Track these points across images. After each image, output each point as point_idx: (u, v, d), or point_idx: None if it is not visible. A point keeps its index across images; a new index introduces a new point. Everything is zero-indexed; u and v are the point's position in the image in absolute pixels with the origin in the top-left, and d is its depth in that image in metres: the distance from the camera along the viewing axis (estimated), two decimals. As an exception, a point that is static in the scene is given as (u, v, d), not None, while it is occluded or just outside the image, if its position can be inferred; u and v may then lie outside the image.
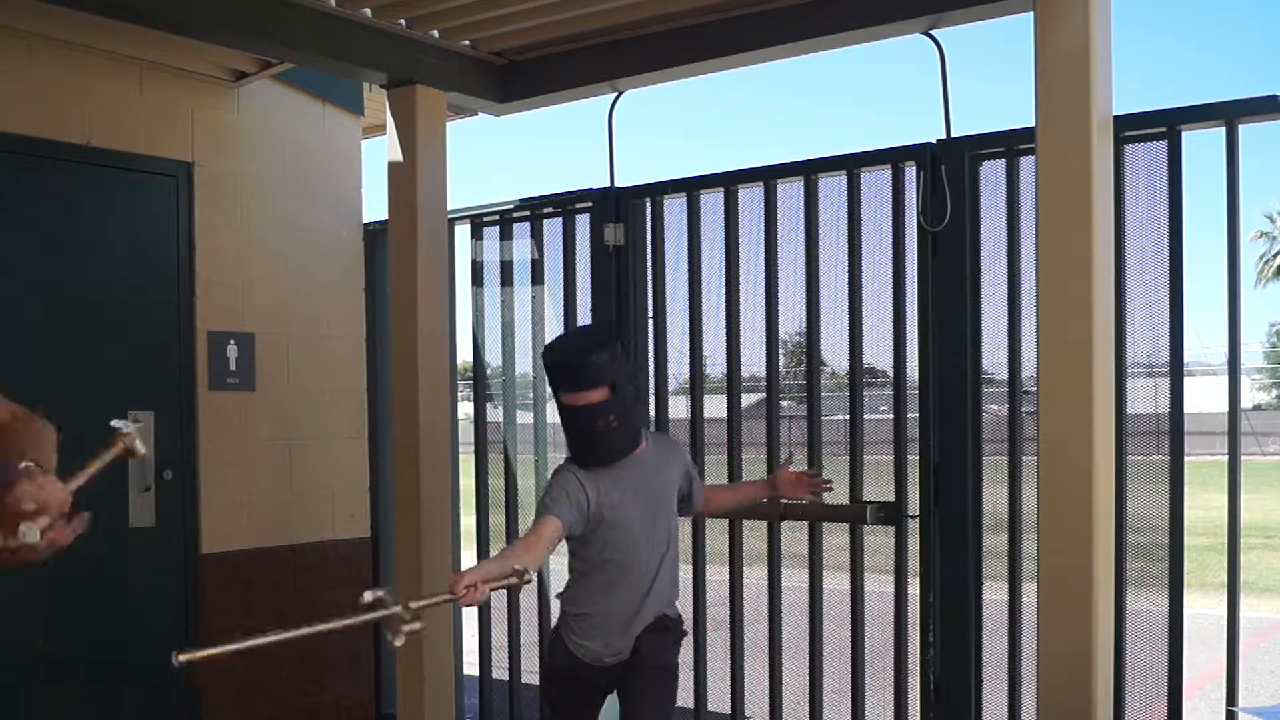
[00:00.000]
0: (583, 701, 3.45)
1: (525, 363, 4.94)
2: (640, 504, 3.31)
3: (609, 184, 4.65)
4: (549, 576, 4.82)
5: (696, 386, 4.43)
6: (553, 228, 4.84)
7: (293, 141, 5.16)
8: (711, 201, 4.43)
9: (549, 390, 4.79)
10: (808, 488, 3.74)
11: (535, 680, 4.80)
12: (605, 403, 3.18)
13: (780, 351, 4.37)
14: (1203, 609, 6.36)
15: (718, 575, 4.40)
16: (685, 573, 4.44)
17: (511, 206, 4.95)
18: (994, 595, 3.85)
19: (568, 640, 3.39)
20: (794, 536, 4.25)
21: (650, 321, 4.58)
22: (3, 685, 4.25)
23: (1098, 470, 3.32)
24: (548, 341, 3.68)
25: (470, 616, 5.03)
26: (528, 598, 4.86)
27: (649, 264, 4.59)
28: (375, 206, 5.48)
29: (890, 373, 4.06)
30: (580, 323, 4.69)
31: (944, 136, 3.91)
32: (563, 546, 3.38)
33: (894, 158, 4.01)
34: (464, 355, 5.26)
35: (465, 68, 4.56)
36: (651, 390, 4.54)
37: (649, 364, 4.56)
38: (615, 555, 3.30)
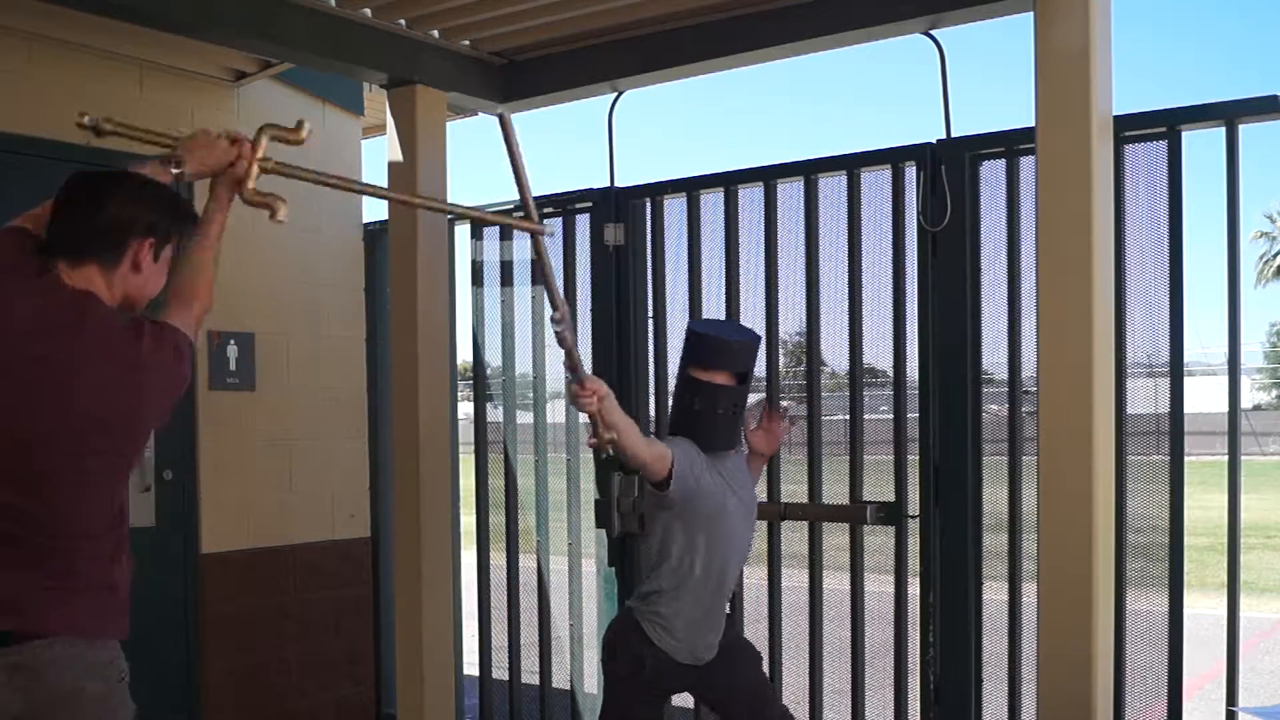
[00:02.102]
0: (661, 704, 3.45)
1: (525, 363, 4.94)
2: (738, 501, 3.39)
3: (609, 184, 4.66)
4: (548, 574, 4.83)
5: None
6: (553, 228, 4.83)
7: (293, 141, 5.16)
8: (711, 201, 4.43)
9: (557, 391, 4.81)
10: (778, 431, 3.70)
11: (535, 680, 4.82)
12: (740, 390, 3.38)
13: (780, 351, 4.37)
14: (1203, 609, 6.35)
15: (718, 575, 4.40)
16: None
17: (511, 206, 4.94)
18: (994, 595, 3.85)
19: (658, 642, 3.30)
20: (794, 536, 4.25)
21: (650, 321, 4.58)
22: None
23: (1098, 470, 3.32)
24: (699, 320, 4.00)
25: (470, 617, 5.04)
26: (528, 598, 4.86)
27: (649, 264, 4.59)
28: (375, 206, 5.49)
29: (890, 373, 4.06)
30: (580, 322, 4.69)
31: (944, 136, 3.91)
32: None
33: (894, 158, 4.01)
34: (464, 355, 5.27)
35: (465, 68, 4.56)
36: (651, 390, 4.54)
37: (649, 364, 4.56)
38: (707, 543, 3.31)
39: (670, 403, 3.54)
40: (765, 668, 4.18)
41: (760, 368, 4.32)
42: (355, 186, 3.50)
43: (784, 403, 3.86)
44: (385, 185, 4.58)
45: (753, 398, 3.76)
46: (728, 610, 3.47)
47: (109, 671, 2.28)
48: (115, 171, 2.43)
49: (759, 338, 3.51)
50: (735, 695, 3.46)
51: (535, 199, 4.84)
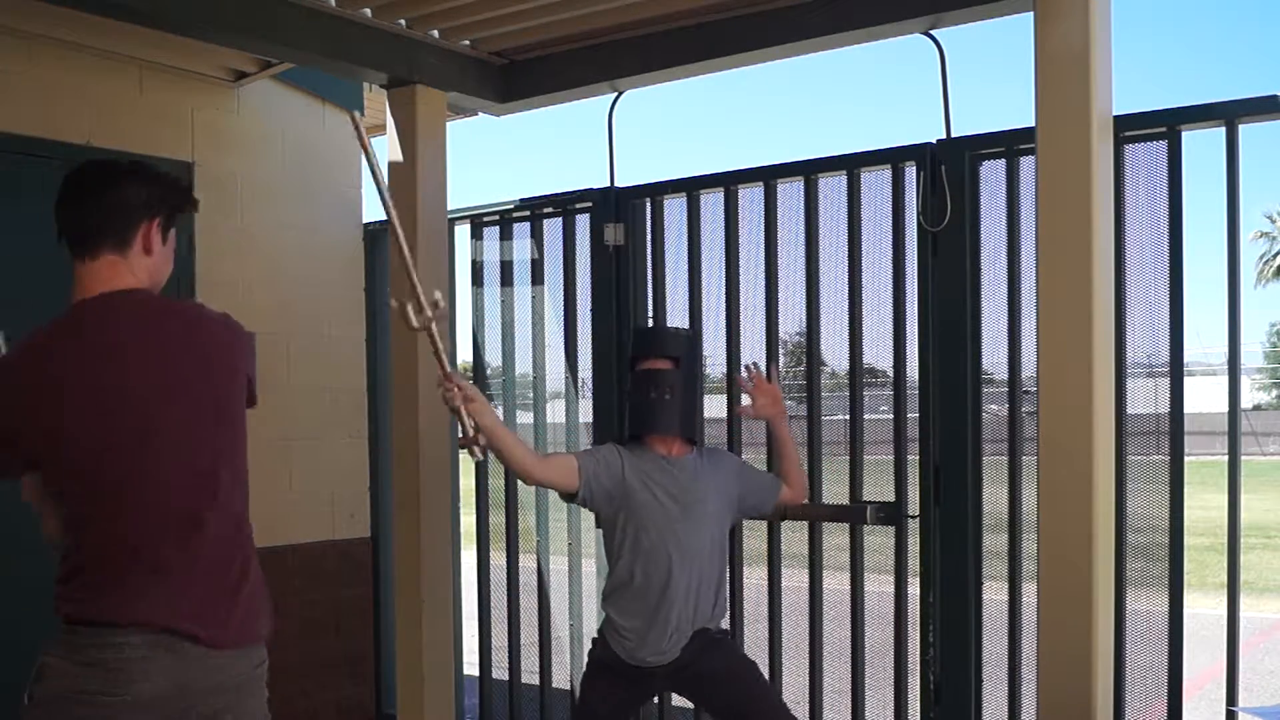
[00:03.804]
0: (617, 701, 3.49)
1: (525, 363, 4.94)
2: (669, 502, 3.42)
3: (609, 184, 4.66)
4: (548, 574, 4.83)
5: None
6: (553, 228, 4.84)
7: (293, 141, 5.16)
8: (711, 201, 4.43)
9: (557, 392, 4.82)
10: (768, 388, 3.75)
11: (535, 680, 4.82)
12: (670, 373, 3.49)
13: (780, 351, 4.37)
14: (1203, 609, 6.36)
15: (718, 575, 4.40)
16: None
17: (511, 206, 4.95)
18: (994, 595, 3.85)
19: (609, 638, 3.48)
20: (794, 536, 4.25)
21: (650, 322, 4.58)
22: (3, 685, 4.24)
23: (1098, 470, 3.32)
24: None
25: (470, 617, 5.04)
26: (528, 598, 4.86)
27: (649, 264, 4.59)
28: (375, 206, 5.49)
29: (890, 373, 4.06)
30: (580, 322, 4.71)
31: (944, 136, 3.91)
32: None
33: (894, 158, 4.01)
34: (464, 355, 5.27)
35: (465, 68, 4.56)
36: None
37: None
38: (641, 549, 3.39)
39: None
40: (765, 668, 4.19)
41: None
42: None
43: (750, 364, 3.88)
44: (385, 185, 4.59)
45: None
46: (699, 623, 3.43)
47: None
48: (110, 160, 2.42)
49: (690, 332, 3.83)
50: (719, 694, 3.48)
51: (536, 199, 4.89)
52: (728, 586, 3.61)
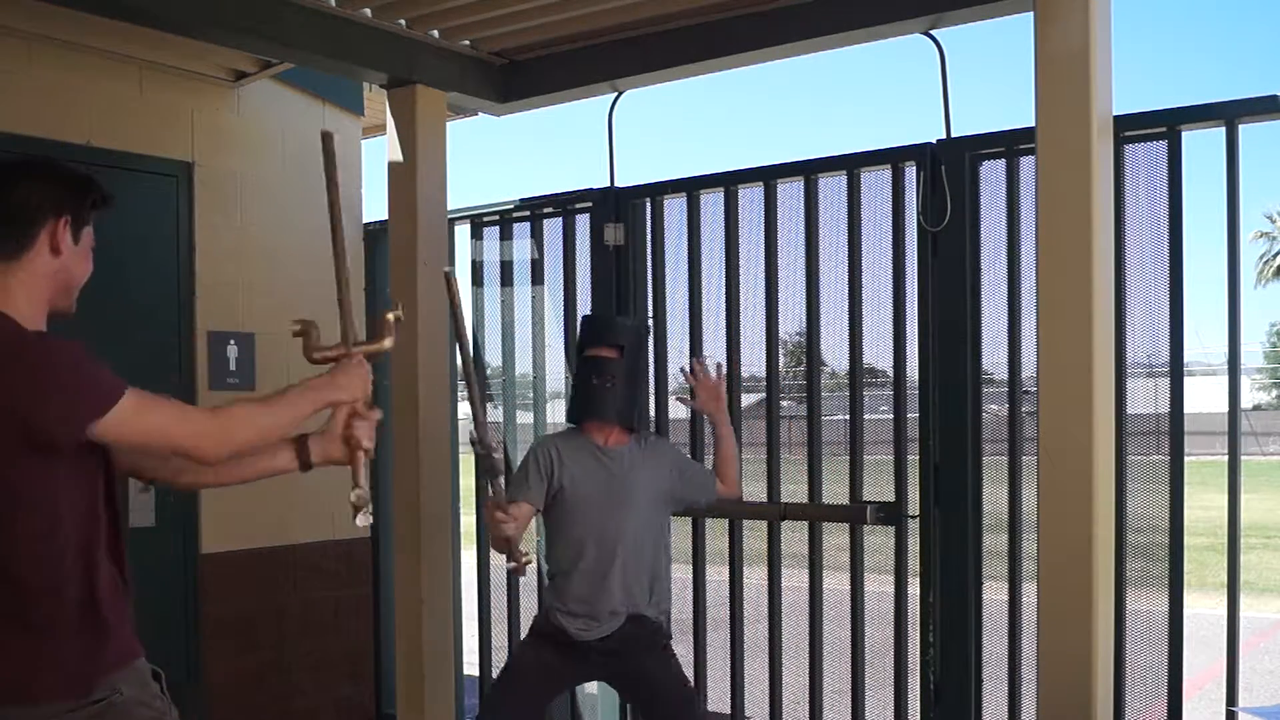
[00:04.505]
0: (546, 663, 3.53)
1: (525, 363, 4.94)
2: (603, 490, 3.49)
3: (609, 184, 4.65)
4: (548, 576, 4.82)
5: (661, 401, 4.43)
6: (553, 228, 4.84)
7: (293, 141, 5.16)
8: (711, 201, 4.43)
9: (557, 392, 4.82)
10: (709, 382, 3.74)
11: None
12: (613, 362, 3.54)
13: (780, 351, 4.37)
14: (1203, 609, 6.35)
15: (718, 575, 4.40)
16: (685, 573, 4.45)
17: (511, 206, 4.95)
18: (994, 595, 3.85)
19: (549, 613, 3.54)
20: (794, 536, 4.25)
21: (650, 321, 4.57)
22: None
23: (1098, 470, 3.32)
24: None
25: (470, 617, 5.04)
26: (528, 598, 4.86)
27: (649, 264, 4.59)
28: (375, 206, 5.48)
29: (890, 373, 4.06)
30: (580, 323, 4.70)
31: (944, 136, 3.91)
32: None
33: (894, 158, 4.01)
34: (464, 355, 5.26)
35: (465, 68, 4.56)
36: (651, 390, 4.53)
37: (649, 364, 4.55)
38: (575, 532, 3.48)
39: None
40: (765, 667, 4.19)
41: (760, 368, 4.34)
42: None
43: (696, 359, 3.93)
44: (385, 185, 4.60)
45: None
46: (634, 609, 3.46)
47: None
48: (16, 158, 2.26)
49: (643, 322, 3.91)
50: (648, 706, 3.55)
51: (536, 199, 4.89)
52: (667, 579, 3.62)
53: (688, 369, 3.80)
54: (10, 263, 2.11)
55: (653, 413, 4.50)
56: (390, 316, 2.57)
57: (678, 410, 4.48)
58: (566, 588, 3.49)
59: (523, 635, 4.82)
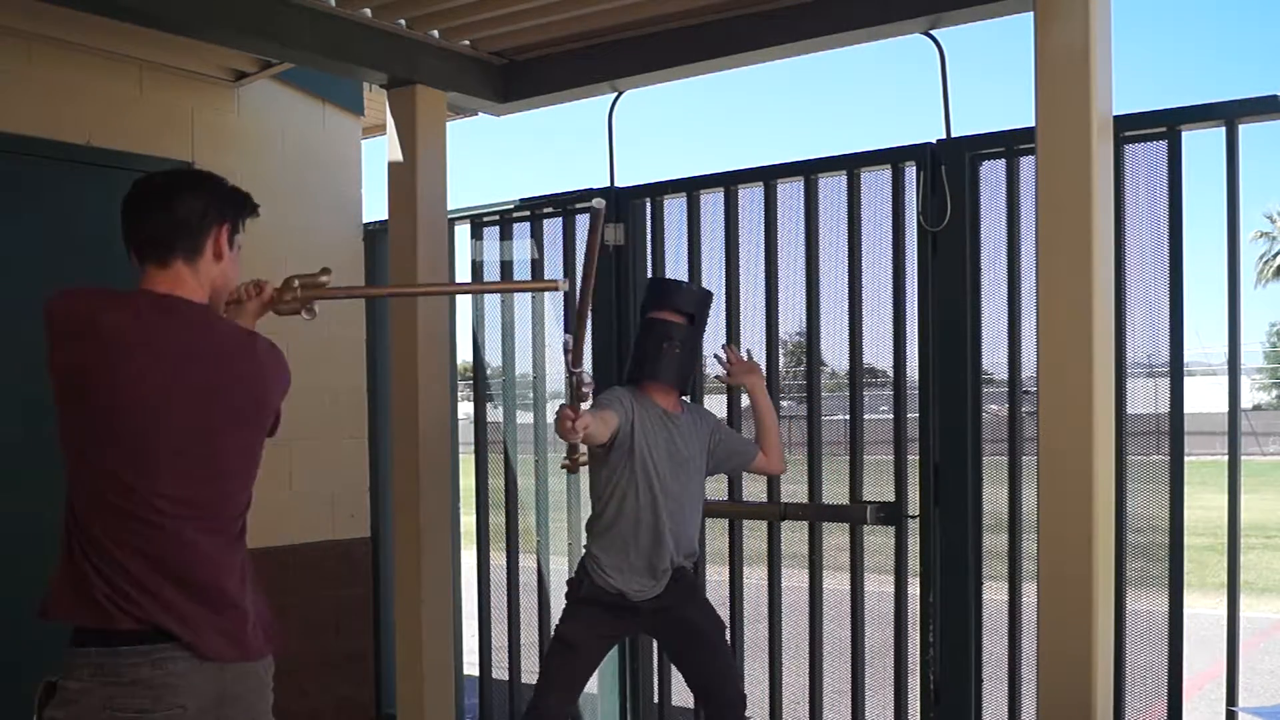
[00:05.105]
0: (599, 633, 3.63)
1: (525, 363, 4.94)
2: (666, 452, 3.60)
3: (609, 184, 4.66)
4: (548, 574, 4.83)
5: (697, 386, 4.43)
6: (553, 228, 4.84)
7: (293, 141, 5.16)
8: (711, 201, 4.43)
9: (557, 392, 4.82)
10: (740, 360, 3.93)
11: (535, 680, 4.81)
12: (680, 327, 3.67)
13: (780, 351, 4.37)
14: (1203, 609, 6.36)
15: (718, 575, 4.40)
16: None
17: (511, 206, 4.95)
18: (994, 595, 3.85)
19: (592, 573, 3.60)
20: (794, 536, 4.26)
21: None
22: (2, 684, 4.24)
23: (1098, 470, 3.32)
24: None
25: (470, 617, 5.04)
26: (528, 598, 4.86)
27: (649, 264, 4.59)
28: (375, 206, 5.48)
29: (890, 373, 4.06)
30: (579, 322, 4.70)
31: (944, 136, 3.91)
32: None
33: (894, 158, 4.01)
34: (464, 355, 5.27)
35: (465, 68, 4.56)
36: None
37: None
38: (636, 494, 3.55)
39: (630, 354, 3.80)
40: (765, 668, 4.19)
41: (759, 367, 4.33)
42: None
43: (726, 346, 4.05)
44: (385, 184, 4.60)
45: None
46: (678, 562, 3.61)
47: None
48: (174, 171, 2.51)
49: (709, 292, 3.91)
50: (689, 650, 3.66)
51: (536, 199, 4.89)
52: (701, 530, 3.83)
53: (721, 356, 3.96)
54: (188, 265, 2.33)
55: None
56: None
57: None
58: (626, 547, 3.56)
59: (521, 636, 4.86)
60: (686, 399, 3.88)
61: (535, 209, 4.88)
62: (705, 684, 3.66)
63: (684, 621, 3.64)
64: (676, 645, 3.74)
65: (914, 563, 3.96)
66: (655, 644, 4.37)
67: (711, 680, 3.64)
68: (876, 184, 4.07)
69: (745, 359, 3.94)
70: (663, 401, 3.67)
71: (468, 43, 4.50)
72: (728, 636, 3.87)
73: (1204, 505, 5.25)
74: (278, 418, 2.56)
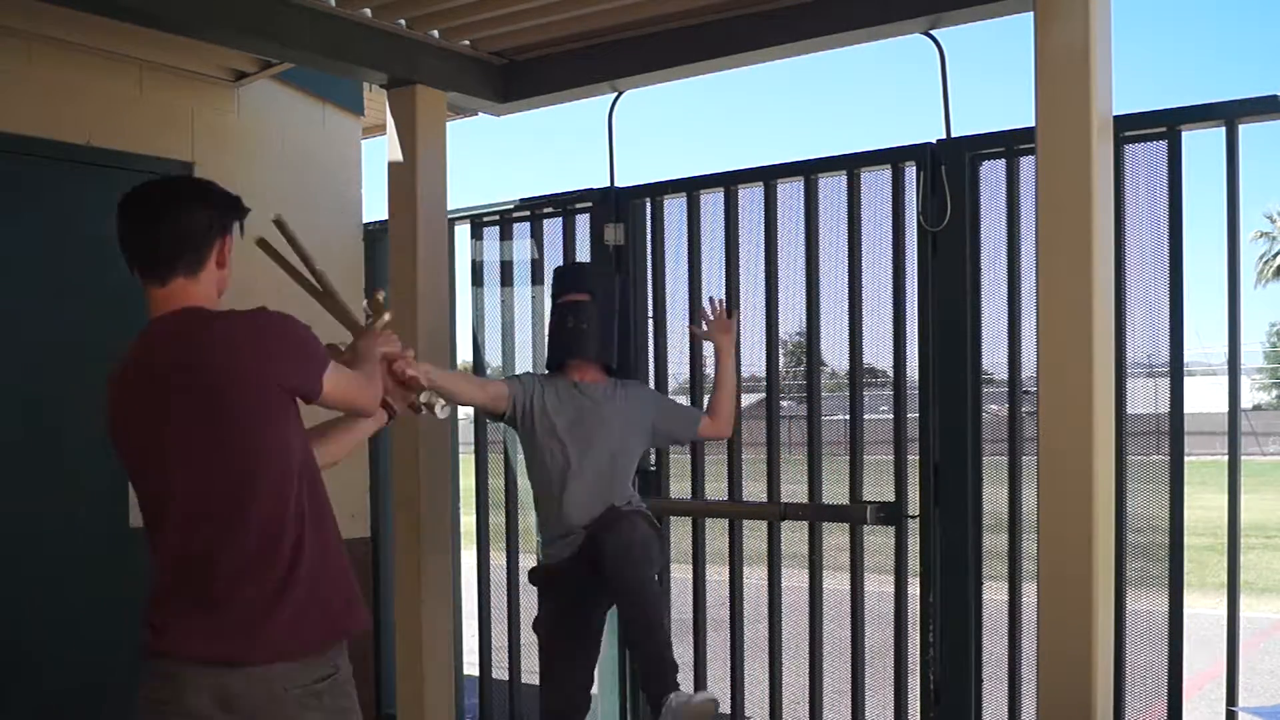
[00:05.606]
0: (559, 615, 3.73)
1: (525, 363, 4.94)
2: (570, 420, 3.73)
3: (609, 184, 4.66)
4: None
5: (696, 386, 4.44)
6: (553, 228, 4.84)
7: (293, 141, 5.16)
8: (711, 201, 4.43)
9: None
10: (724, 322, 4.04)
11: (535, 680, 4.81)
12: (584, 304, 3.80)
13: (780, 351, 4.37)
14: (1203, 609, 6.35)
15: (717, 575, 4.40)
16: (685, 573, 4.46)
17: (511, 206, 4.95)
18: (994, 595, 3.85)
19: (538, 555, 3.83)
20: (794, 536, 4.25)
21: (650, 321, 4.57)
22: (2, 684, 4.25)
23: (1098, 470, 3.32)
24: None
25: (470, 617, 5.04)
26: (528, 598, 4.86)
27: (649, 264, 4.59)
28: (375, 206, 5.48)
29: (890, 373, 4.06)
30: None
31: (944, 136, 3.91)
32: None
33: (894, 158, 4.01)
34: (464, 355, 5.26)
35: (465, 68, 4.56)
36: (651, 377, 4.53)
37: (649, 364, 4.56)
38: (543, 462, 3.73)
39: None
40: (765, 668, 4.18)
41: (760, 366, 4.34)
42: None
43: (714, 298, 4.15)
44: (385, 185, 4.59)
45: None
46: (590, 528, 3.63)
47: None
48: (168, 184, 2.50)
49: (610, 265, 4.21)
50: (619, 610, 3.64)
51: (536, 199, 4.89)
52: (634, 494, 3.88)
53: (706, 307, 4.06)
54: (190, 278, 2.36)
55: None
56: (379, 296, 3.10)
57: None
58: (547, 519, 3.74)
59: (521, 636, 4.85)
60: (625, 379, 3.99)
61: (535, 209, 4.88)
62: (630, 640, 3.68)
63: (609, 582, 3.55)
64: (610, 606, 3.81)
65: (914, 563, 3.96)
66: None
67: (628, 634, 3.63)
68: (876, 184, 4.07)
69: (727, 317, 4.04)
70: (575, 375, 3.80)
71: (468, 43, 4.50)
72: (660, 600, 3.83)
73: (1204, 505, 5.24)
74: (290, 388, 2.33)
